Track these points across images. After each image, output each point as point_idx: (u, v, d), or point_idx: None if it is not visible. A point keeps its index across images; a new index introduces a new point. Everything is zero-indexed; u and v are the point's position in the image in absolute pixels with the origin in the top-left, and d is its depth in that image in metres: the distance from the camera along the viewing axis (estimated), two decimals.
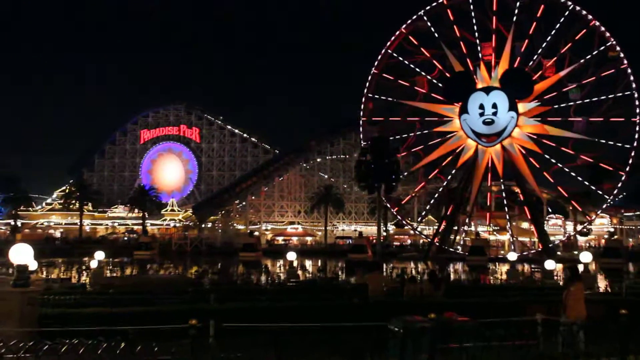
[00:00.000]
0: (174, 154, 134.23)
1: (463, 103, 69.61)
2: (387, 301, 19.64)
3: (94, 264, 36.95)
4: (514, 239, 72.53)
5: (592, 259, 35.00)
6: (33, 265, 19.69)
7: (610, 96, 67.00)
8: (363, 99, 76.23)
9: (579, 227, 75.91)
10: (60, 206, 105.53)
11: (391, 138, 69.92)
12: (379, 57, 75.37)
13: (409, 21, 74.32)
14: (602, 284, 34.31)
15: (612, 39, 66.69)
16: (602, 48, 67.06)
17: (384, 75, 75.43)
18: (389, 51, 75.00)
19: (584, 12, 67.58)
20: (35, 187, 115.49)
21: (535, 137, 69.09)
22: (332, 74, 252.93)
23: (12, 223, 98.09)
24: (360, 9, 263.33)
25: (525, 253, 69.28)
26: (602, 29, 67.05)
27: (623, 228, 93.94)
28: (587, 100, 68.00)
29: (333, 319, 13.55)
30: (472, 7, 71.45)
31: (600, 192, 67.35)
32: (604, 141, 66.98)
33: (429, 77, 73.67)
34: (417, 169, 78.88)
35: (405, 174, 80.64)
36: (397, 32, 74.72)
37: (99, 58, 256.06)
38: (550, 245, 70.89)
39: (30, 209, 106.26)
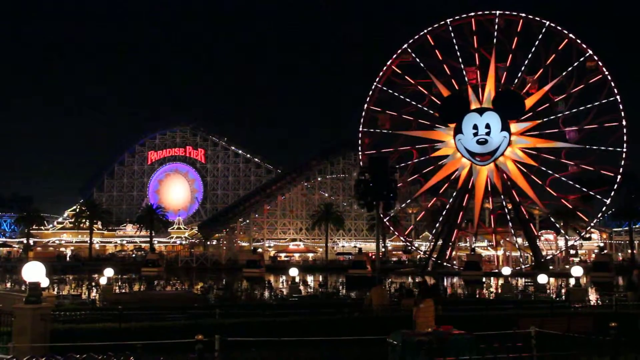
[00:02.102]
0: (180, 174, 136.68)
1: (457, 124, 71.29)
2: (386, 315, 19.74)
3: (103, 281, 37.10)
4: (520, 252, 74.06)
5: (582, 273, 35.13)
6: (45, 282, 20.35)
7: (591, 105, 69.21)
8: (359, 134, 77.86)
9: (572, 241, 77.87)
10: (71, 225, 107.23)
11: (397, 166, 71.94)
12: (370, 91, 77.08)
13: (395, 55, 76.34)
14: (592, 297, 35.41)
15: (589, 50, 68.97)
16: (581, 60, 69.21)
17: (377, 109, 77.09)
18: (379, 85, 76.80)
19: (560, 28, 69.96)
20: (47, 207, 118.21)
21: (528, 150, 70.96)
22: (333, 94, 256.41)
23: (25, 242, 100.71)
24: (361, 30, 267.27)
25: (524, 267, 71.08)
26: (579, 41, 69.36)
27: (612, 243, 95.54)
28: (574, 110, 70.16)
29: (334, 333, 13.59)
30: (453, 35, 73.85)
31: (597, 196, 68.91)
32: (594, 147, 69.09)
33: (419, 105, 75.50)
34: (406, 175, 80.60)
35: (409, 201, 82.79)
36: (385, 67, 76.59)
37: (107, 83, 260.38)
38: (542, 260, 72.18)
39: (42, 228, 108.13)
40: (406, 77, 76.15)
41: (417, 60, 75.59)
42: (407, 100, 76.19)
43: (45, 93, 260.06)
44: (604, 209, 70.27)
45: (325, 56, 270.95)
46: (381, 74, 76.93)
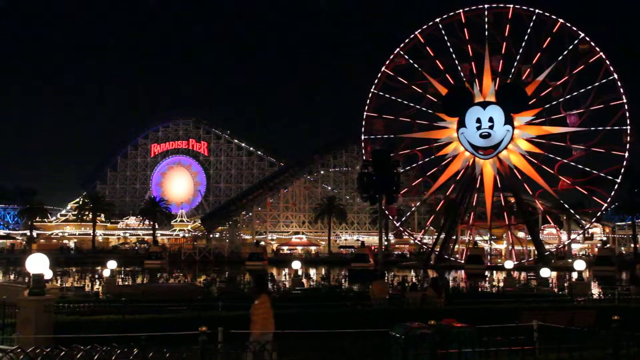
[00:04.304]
0: (183, 167, 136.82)
1: (460, 117, 71.13)
2: (388, 308, 19.55)
3: (106, 273, 36.89)
4: (535, 247, 73.94)
5: (585, 266, 35.30)
6: (48, 274, 20.04)
7: (590, 87, 69.05)
8: (362, 140, 78.04)
9: (574, 235, 77.84)
10: (74, 217, 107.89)
11: (403, 169, 72.33)
12: (368, 97, 77.07)
13: (388, 60, 76.35)
14: (595, 291, 34.96)
15: (581, 33, 68.99)
16: (574, 44, 69.18)
17: (377, 115, 77.13)
18: (376, 91, 76.78)
19: (549, 15, 70.03)
20: (50, 199, 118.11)
21: (532, 139, 70.71)
22: (336, 88, 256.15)
23: (28, 234, 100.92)
24: (362, 20, 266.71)
25: (523, 261, 71.15)
26: (569, 26, 69.33)
27: (615, 237, 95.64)
28: (573, 94, 69.88)
29: (337, 326, 13.54)
30: (444, 34, 73.92)
31: (606, 177, 68.53)
32: (599, 128, 68.95)
33: (418, 107, 75.42)
34: (418, 183, 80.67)
35: (419, 203, 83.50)
36: (380, 73, 76.58)
37: (110, 75, 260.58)
38: (545, 254, 72.23)
39: (45, 220, 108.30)
40: (402, 80, 76.22)
41: (412, 62, 75.75)
42: (406, 102, 76.22)
43: (47, 86, 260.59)
44: (612, 193, 69.35)
45: (328, 49, 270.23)
46: (377, 80, 76.99)
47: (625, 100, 67.22)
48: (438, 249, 75.98)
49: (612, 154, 68.68)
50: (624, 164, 67.06)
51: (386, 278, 42.68)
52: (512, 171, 72.22)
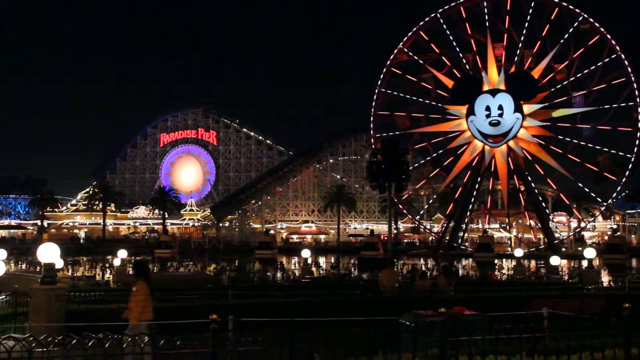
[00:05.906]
0: (193, 157, 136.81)
1: (470, 105, 70.98)
2: (398, 296, 19.69)
3: (117, 262, 37.12)
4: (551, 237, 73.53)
5: (595, 254, 35.13)
6: (59, 263, 20.28)
7: (595, 66, 68.44)
8: (372, 140, 77.65)
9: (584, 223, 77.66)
10: (85, 207, 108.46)
11: (415, 166, 72.53)
12: (375, 95, 76.65)
13: (392, 56, 75.96)
14: (605, 279, 34.59)
15: (582, 13, 68.38)
16: (575, 24, 68.59)
17: (383, 112, 76.72)
18: (382, 89, 76.32)
19: None
20: (60, 189, 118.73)
21: (543, 123, 70.23)
22: (346, 75, 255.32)
23: (39, 223, 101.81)
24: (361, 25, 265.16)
25: (532, 249, 71.05)
26: (569, 7, 68.69)
27: (625, 225, 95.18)
28: (579, 75, 69.28)
29: (346, 314, 13.71)
30: (445, 26, 73.54)
31: (627, 155, 67.79)
32: (608, 107, 68.35)
33: (426, 100, 75.30)
34: (427, 171, 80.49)
35: (435, 196, 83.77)
36: (384, 70, 76.20)
37: (119, 65, 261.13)
38: (555, 242, 72.14)
39: (56, 210, 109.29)
40: (407, 75, 75.99)
41: (415, 57, 75.40)
42: (413, 98, 75.94)
43: (57, 77, 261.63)
44: (622, 182, 68.86)
45: (339, 36, 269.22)
46: (381, 77, 76.58)
47: (632, 77, 66.71)
48: (448, 237, 75.95)
49: (623, 132, 68.36)
50: (637, 140, 66.50)
51: (395, 266, 42.95)
52: (522, 158, 71.95)
